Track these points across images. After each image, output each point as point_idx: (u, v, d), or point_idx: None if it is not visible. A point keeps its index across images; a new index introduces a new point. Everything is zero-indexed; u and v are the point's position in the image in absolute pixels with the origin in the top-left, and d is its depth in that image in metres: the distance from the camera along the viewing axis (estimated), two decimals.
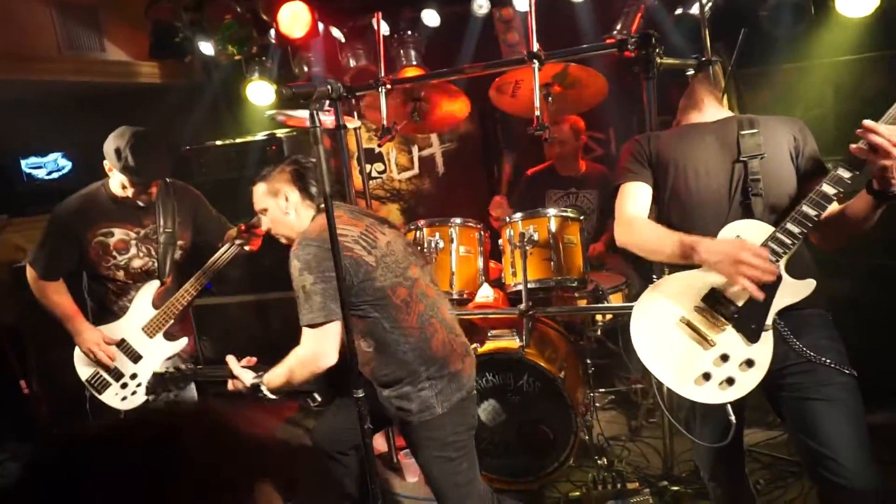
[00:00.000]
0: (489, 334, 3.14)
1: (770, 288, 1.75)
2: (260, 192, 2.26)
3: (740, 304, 1.78)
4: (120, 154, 2.51)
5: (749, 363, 1.76)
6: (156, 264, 2.75)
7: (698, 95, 2.13)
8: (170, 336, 2.77)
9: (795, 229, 1.73)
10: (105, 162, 2.59)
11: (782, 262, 1.76)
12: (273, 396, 2.11)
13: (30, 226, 4.14)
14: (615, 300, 3.33)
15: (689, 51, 3.35)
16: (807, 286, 1.76)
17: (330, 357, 1.99)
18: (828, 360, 1.74)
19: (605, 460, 2.92)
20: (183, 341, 2.81)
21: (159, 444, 0.66)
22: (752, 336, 1.76)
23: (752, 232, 1.81)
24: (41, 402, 3.98)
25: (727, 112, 2.08)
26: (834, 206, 1.80)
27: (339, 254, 1.83)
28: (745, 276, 1.69)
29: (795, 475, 2.69)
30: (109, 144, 2.55)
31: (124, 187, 2.61)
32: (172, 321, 2.74)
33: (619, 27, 3.71)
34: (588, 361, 3.21)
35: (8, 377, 3.90)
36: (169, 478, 0.63)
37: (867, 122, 1.63)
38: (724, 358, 1.78)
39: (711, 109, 2.08)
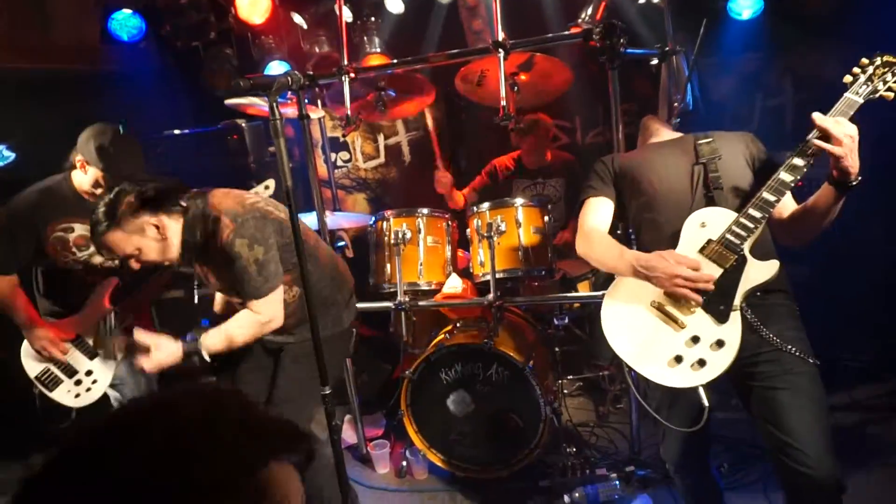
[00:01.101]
0: (457, 325, 3.13)
1: (736, 270, 1.81)
2: (119, 239, 2.05)
3: (710, 287, 1.82)
4: (103, 152, 2.43)
5: (720, 343, 1.79)
6: (116, 262, 2.65)
7: (653, 126, 2.33)
8: (127, 332, 2.67)
9: (757, 214, 1.81)
10: (77, 158, 2.49)
11: (747, 245, 1.83)
12: (207, 359, 2.12)
13: None
14: (582, 288, 3.36)
15: (653, 40, 3.39)
16: (771, 267, 1.82)
17: (281, 316, 2.17)
18: (793, 349, 1.79)
19: (574, 447, 2.95)
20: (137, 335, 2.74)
21: (190, 427, 0.67)
22: (721, 317, 1.80)
23: (717, 218, 1.88)
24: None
25: (681, 134, 2.24)
26: (794, 204, 1.92)
27: (300, 240, 1.78)
28: (683, 288, 1.80)
29: (758, 457, 2.76)
30: (90, 142, 2.46)
31: (97, 185, 2.52)
32: (131, 318, 2.67)
33: (584, 16, 3.71)
34: (556, 349, 3.23)
35: None
36: (199, 461, 0.64)
37: (815, 116, 1.73)
38: (695, 339, 1.81)
39: (666, 132, 2.27)
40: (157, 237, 2.09)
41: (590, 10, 3.74)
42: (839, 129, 1.70)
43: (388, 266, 2.98)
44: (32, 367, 2.62)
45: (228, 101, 3.23)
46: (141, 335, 2.12)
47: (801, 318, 1.92)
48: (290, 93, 3.10)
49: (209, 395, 0.72)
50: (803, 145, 1.79)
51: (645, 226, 2.09)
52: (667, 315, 1.85)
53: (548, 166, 3.91)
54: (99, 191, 2.54)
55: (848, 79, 1.84)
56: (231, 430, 0.68)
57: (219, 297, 2.57)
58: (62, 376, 2.63)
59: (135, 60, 4.36)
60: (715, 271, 1.82)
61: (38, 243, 2.55)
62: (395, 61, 3.07)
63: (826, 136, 1.71)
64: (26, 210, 2.52)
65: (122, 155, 2.48)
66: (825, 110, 1.82)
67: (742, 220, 1.82)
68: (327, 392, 1.81)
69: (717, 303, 1.81)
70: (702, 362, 1.79)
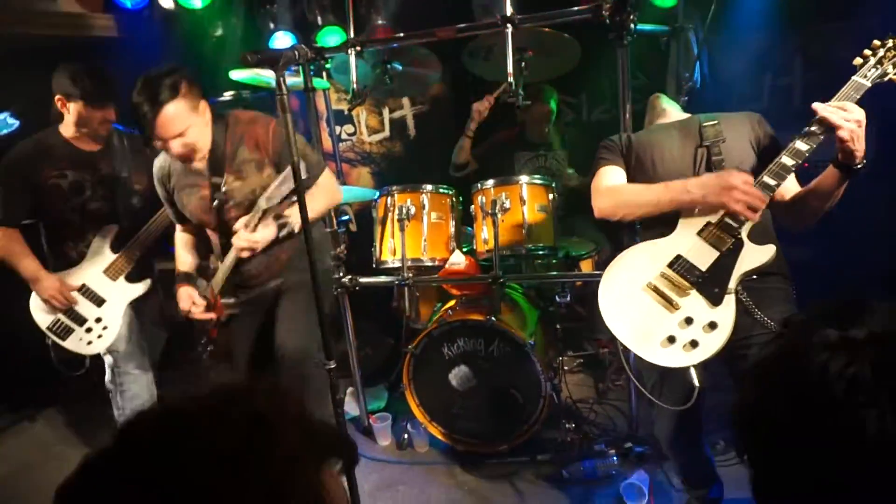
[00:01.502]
0: (460, 301, 3.15)
1: (732, 253, 1.83)
2: (178, 111, 2.08)
3: (704, 268, 1.85)
4: (76, 79, 2.54)
5: (712, 325, 1.81)
6: (112, 208, 2.75)
7: (661, 106, 2.36)
8: (132, 279, 2.79)
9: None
10: (56, 98, 2.59)
11: (745, 228, 1.84)
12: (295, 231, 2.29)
13: None
14: (585, 266, 3.37)
15: (663, 16, 3.34)
16: (767, 251, 1.84)
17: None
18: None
19: (573, 423, 3.00)
20: (146, 283, 2.84)
21: (253, 424, 0.66)
22: (716, 299, 1.82)
23: None
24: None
25: (688, 115, 2.24)
26: (797, 187, 1.94)
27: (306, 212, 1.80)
28: (738, 201, 1.79)
29: None
30: (62, 76, 2.56)
31: (82, 123, 2.62)
32: (134, 264, 2.77)
33: None
34: (558, 326, 3.26)
35: None
36: (260, 459, 0.64)
37: (815, 106, 1.75)
38: (689, 321, 1.83)
39: (674, 113, 2.27)
40: (205, 120, 2.16)
41: None
42: (839, 117, 1.70)
43: (392, 241, 2.99)
44: (43, 318, 2.72)
45: (234, 73, 3.21)
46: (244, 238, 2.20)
47: (801, 300, 1.94)
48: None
49: (269, 392, 0.71)
50: (807, 129, 1.79)
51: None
52: (662, 296, 1.88)
53: (550, 140, 3.89)
54: (85, 130, 2.65)
55: (858, 61, 1.83)
56: (292, 431, 0.68)
57: (186, 258, 2.60)
58: (73, 325, 2.72)
59: (139, 28, 4.32)
60: (712, 254, 1.84)
61: (36, 192, 2.65)
62: (401, 35, 3.03)
63: (827, 123, 1.73)
64: (20, 161, 2.63)
65: (97, 79, 2.58)
66: (835, 91, 1.82)
67: None
68: (332, 366, 1.84)
69: (711, 285, 1.83)
70: (694, 343, 1.81)
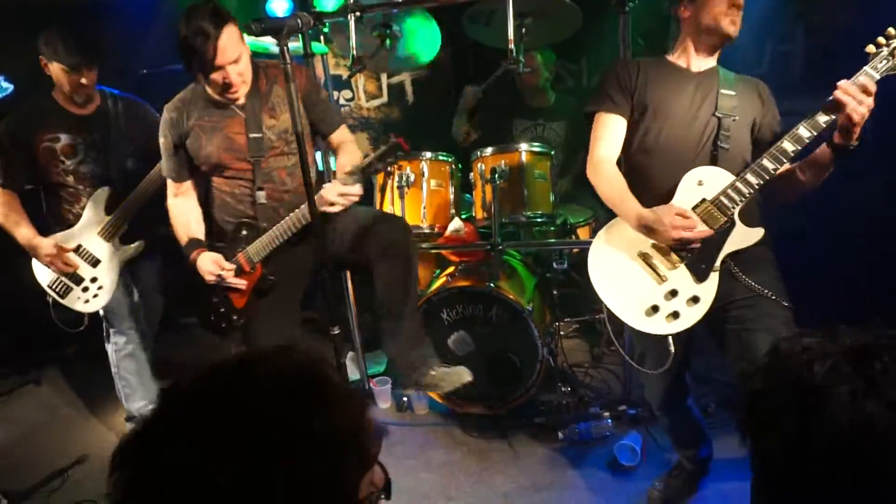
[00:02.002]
0: (459, 267, 3.19)
1: (723, 233, 1.87)
2: (234, 35, 2.06)
3: (698, 246, 1.88)
4: (50, 42, 2.56)
5: (695, 299, 1.90)
6: (105, 170, 2.79)
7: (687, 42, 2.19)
8: (126, 240, 2.84)
9: (754, 180, 1.85)
10: (42, 60, 2.62)
11: (737, 209, 1.88)
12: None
13: None
14: (582, 233, 3.41)
15: None
16: (756, 234, 1.89)
17: None
18: (771, 294, 1.89)
19: (569, 387, 3.07)
20: (139, 244, 2.87)
21: (307, 382, 0.73)
22: (702, 275, 1.89)
23: (714, 178, 1.91)
24: (6, 334, 3.94)
25: (712, 62, 2.07)
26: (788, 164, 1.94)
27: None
28: (677, 243, 1.87)
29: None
30: (41, 41, 2.59)
31: (59, 84, 2.65)
32: (127, 225, 2.81)
33: None
34: (555, 292, 3.31)
35: None
36: (317, 414, 0.70)
37: (841, 84, 1.73)
38: (674, 293, 1.92)
39: (698, 59, 2.06)
40: (248, 51, 2.15)
41: None
42: (856, 104, 1.70)
43: (392, 208, 3.01)
44: (44, 276, 2.82)
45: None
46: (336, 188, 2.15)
47: (796, 272, 1.99)
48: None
49: (312, 356, 0.77)
50: (812, 116, 1.79)
51: (637, 169, 2.07)
52: (651, 266, 1.94)
53: (551, 108, 3.88)
54: (65, 91, 2.67)
55: (871, 49, 1.81)
56: (337, 391, 0.74)
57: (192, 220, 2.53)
58: (71, 284, 2.80)
59: None
60: (702, 225, 1.87)
61: (32, 156, 2.70)
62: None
63: (841, 106, 1.71)
64: (16, 124, 2.70)
65: (73, 37, 2.57)
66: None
67: (738, 184, 1.86)
68: (336, 332, 1.89)
69: (699, 261, 1.90)
70: (675, 314, 1.91)
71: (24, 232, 2.72)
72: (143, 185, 2.78)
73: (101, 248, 2.80)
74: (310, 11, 2.92)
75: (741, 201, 1.86)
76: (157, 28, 4.33)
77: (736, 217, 1.88)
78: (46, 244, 2.71)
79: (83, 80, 2.64)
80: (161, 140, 2.32)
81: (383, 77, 4.77)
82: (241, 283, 2.28)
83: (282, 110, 2.26)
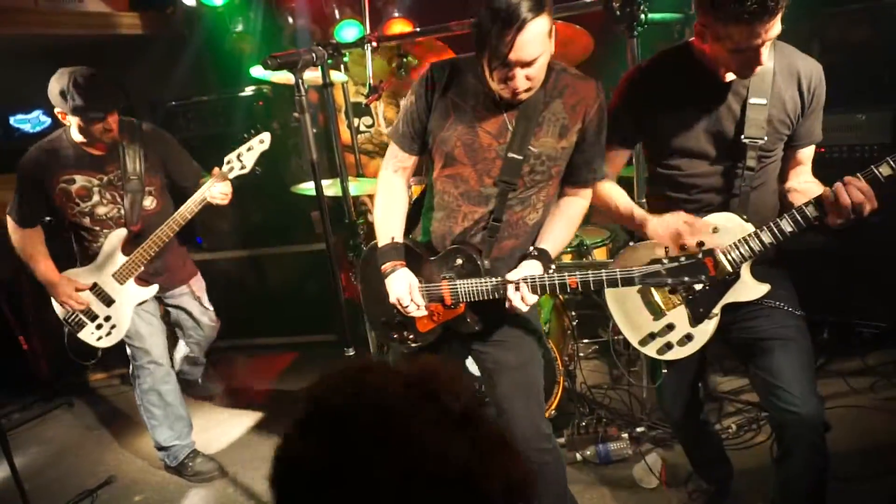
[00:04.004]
0: None
1: (726, 283, 1.87)
2: (544, 30, 1.61)
3: (697, 287, 1.83)
4: (65, 95, 2.49)
5: (688, 337, 1.94)
6: (122, 211, 2.76)
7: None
8: (142, 281, 2.85)
9: (767, 239, 1.79)
10: (56, 110, 2.58)
11: (747, 264, 1.86)
12: None
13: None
14: (599, 254, 3.42)
15: (678, 3, 3.34)
16: (759, 290, 1.87)
17: None
18: (784, 305, 1.90)
19: (587, 408, 3.06)
20: (154, 288, 2.87)
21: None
22: (698, 318, 1.92)
23: (730, 227, 1.84)
24: (40, 357, 4.07)
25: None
26: (804, 179, 1.90)
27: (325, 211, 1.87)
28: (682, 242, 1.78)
29: (766, 419, 2.83)
30: (53, 88, 2.51)
31: (81, 132, 2.60)
32: (143, 268, 2.78)
33: None
34: (573, 313, 3.31)
35: (6, 334, 3.96)
36: (447, 392, 0.68)
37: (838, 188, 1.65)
38: (670, 327, 1.97)
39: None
40: (552, 50, 1.70)
41: None
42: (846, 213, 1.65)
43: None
44: (60, 309, 2.84)
45: (254, 70, 3.30)
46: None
47: (814, 281, 2.00)
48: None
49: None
50: (864, 176, 1.68)
51: (659, 183, 2.00)
52: (652, 300, 1.98)
53: None
54: (87, 139, 2.60)
55: None
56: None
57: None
58: (85, 320, 2.84)
59: (163, 26, 4.44)
60: (706, 223, 1.81)
61: (47, 196, 2.71)
62: (417, 29, 3.10)
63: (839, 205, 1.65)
64: (30, 165, 2.69)
65: (87, 92, 2.47)
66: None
67: (751, 240, 1.81)
68: (352, 353, 1.93)
69: (698, 305, 1.91)
70: (668, 346, 1.97)
71: (40, 268, 2.77)
72: (161, 231, 2.71)
73: (115, 288, 2.80)
74: (328, 43, 3.05)
75: (750, 257, 1.82)
76: (184, 61, 4.51)
77: (743, 271, 1.86)
78: (61, 281, 2.74)
79: (108, 126, 2.59)
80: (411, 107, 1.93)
81: (402, 103, 4.86)
82: (425, 312, 1.91)
83: (552, 133, 1.81)
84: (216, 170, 2.63)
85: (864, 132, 3.18)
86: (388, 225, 1.93)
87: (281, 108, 4.21)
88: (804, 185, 1.90)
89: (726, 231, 1.83)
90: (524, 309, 1.77)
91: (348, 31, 4.10)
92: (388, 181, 1.98)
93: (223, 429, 3.54)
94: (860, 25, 3.37)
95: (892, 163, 1.64)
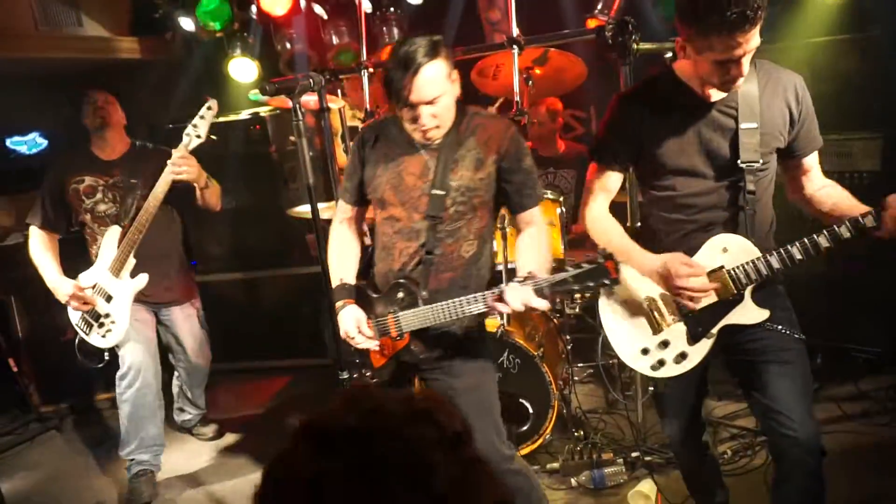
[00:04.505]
0: None
1: (729, 304, 1.87)
2: (441, 72, 1.83)
3: (698, 306, 1.88)
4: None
5: (683, 356, 1.93)
6: (119, 210, 2.96)
7: None
8: (135, 274, 2.92)
9: (776, 264, 1.80)
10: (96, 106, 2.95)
11: (750, 288, 1.86)
12: None
13: (13, 204, 4.12)
14: None
15: (669, 32, 3.41)
16: (760, 315, 1.86)
17: None
18: (783, 328, 1.89)
19: (582, 432, 3.05)
20: (142, 277, 2.91)
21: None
22: (696, 337, 1.92)
23: (739, 249, 1.85)
24: (31, 379, 4.03)
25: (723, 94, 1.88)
26: (820, 179, 1.91)
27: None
28: (679, 294, 1.82)
29: (762, 445, 2.83)
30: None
31: (87, 108, 2.92)
32: (133, 259, 2.88)
33: (599, 7, 3.74)
34: (567, 337, 3.31)
35: None
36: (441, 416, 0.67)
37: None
38: (665, 344, 1.96)
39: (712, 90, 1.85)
40: (455, 92, 1.90)
41: (606, 1, 3.77)
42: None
43: None
44: (73, 314, 2.96)
45: (252, 94, 3.34)
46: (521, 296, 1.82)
47: (807, 306, 2.03)
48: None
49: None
50: (855, 223, 1.73)
51: (654, 205, 1.99)
52: (653, 313, 1.98)
53: (560, 157, 3.96)
54: (92, 116, 2.94)
55: None
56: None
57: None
58: (91, 320, 2.92)
59: (161, 51, 4.49)
60: (712, 297, 1.86)
61: (63, 199, 2.95)
62: None
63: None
64: (53, 170, 3.00)
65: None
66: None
67: (759, 263, 1.81)
68: (345, 377, 1.93)
69: (697, 324, 1.91)
70: (662, 362, 1.96)
71: (47, 272, 2.91)
72: (141, 216, 2.85)
73: (112, 283, 2.89)
74: (326, 69, 3.09)
75: (756, 280, 1.83)
76: (182, 85, 4.55)
77: (747, 293, 1.86)
78: (65, 284, 2.86)
79: (98, 103, 2.92)
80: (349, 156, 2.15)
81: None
82: (375, 345, 2.03)
83: (467, 167, 1.97)
84: (173, 151, 2.83)
85: (855, 159, 3.23)
86: (338, 269, 2.13)
87: (277, 132, 4.24)
88: (822, 191, 1.91)
89: (735, 252, 1.85)
90: (507, 310, 1.85)
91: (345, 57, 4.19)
92: (336, 230, 2.19)
93: (213, 453, 3.50)
94: (850, 55, 3.44)
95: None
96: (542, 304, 1.80)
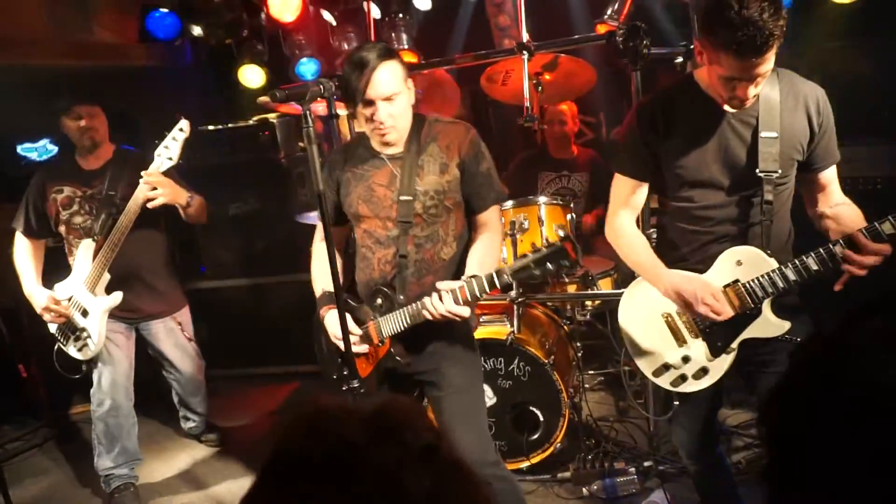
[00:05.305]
0: (481, 320, 3.20)
1: (747, 317, 1.85)
2: (397, 72, 1.92)
3: (717, 321, 1.86)
4: (59, 102, 2.86)
5: (704, 371, 1.93)
6: (93, 223, 2.90)
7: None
8: (110, 290, 2.88)
9: (792, 276, 1.78)
10: (60, 125, 2.89)
11: (768, 301, 1.83)
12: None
13: None
14: (604, 285, 3.40)
15: (679, 36, 3.39)
16: (780, 327, 1.84)
17: None
18: (799, 340, 1.86)
19: (593, 441, 3.01)
20: (116, 295, 2.86)
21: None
22: (716, 352, 1.91)
23: (754, 262, 1.83)
24: (39, 386, 4.03)
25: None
26: (837, 195, 1.90)
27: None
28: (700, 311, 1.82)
29: None
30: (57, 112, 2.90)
31: (70, 124, 2.85)
32: (108, 275, 2.83)
33: (609, 12, 3.72)
34: (577, 344, 3.29)
35: (5, 362, 3.94)
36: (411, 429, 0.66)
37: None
38: (686, 359, 1.95)
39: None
40: (411, 98, 1.99)
41: (616, 6, 3.74)
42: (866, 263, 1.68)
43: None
44: (52, 324, 2.94)
45: (261, 100, 3.34)
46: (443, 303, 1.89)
47: (827, 315, 1.97)
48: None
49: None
50: (868, 233, 1.70)
51: (672, 215, 1.97)
52: (672, 329, 1.97)
53: (573, 160, 3.95)
54: (76, 138, 2.90)
55: None
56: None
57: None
58: (68, 332, 2.91)
59: (171, 57, 4.50)
60: (729, 311, 1.84)
61: (43, 208, 2.92)
62: (422, 62, 3.14)
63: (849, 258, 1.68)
64: (36, 178, 2.97)
65: (69, 94, 2.90)
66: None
67: (775, 276, 1.79)
68: (356, 385, 1.91)
69: (717, 338, 1.90)
70: (683, 378, 1.95)
71: (25, 280, 2.90)
72: (113, 236, 2.77)
73: (87, 299, 2.85)
74: (336, 75, 3.08)
75: (773, 293, 1.80)
76: (192, 92, 4.57)
77: (764, 306, 1.83)
78: (40, 295, 2.84)
79: (82, 122, 2.84)
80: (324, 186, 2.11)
81: None
82: (363, 349, 2.08)
83: (430, 171, 2.04)
84: (144, 174, 2.74)
85: (867, 165, 3.20)
86: (319, 281, 2.19)
87: (286, 139, 4.25)
88: (836, 209, 1.88)
89: (750, 265, 1.82)
90: (444, 311, 1.86)
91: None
92: (315, 249, 2.26)
93: (221, 459, 3.49)
94: (861, 59, 3.42)
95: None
96: (463, 311, 1.86)
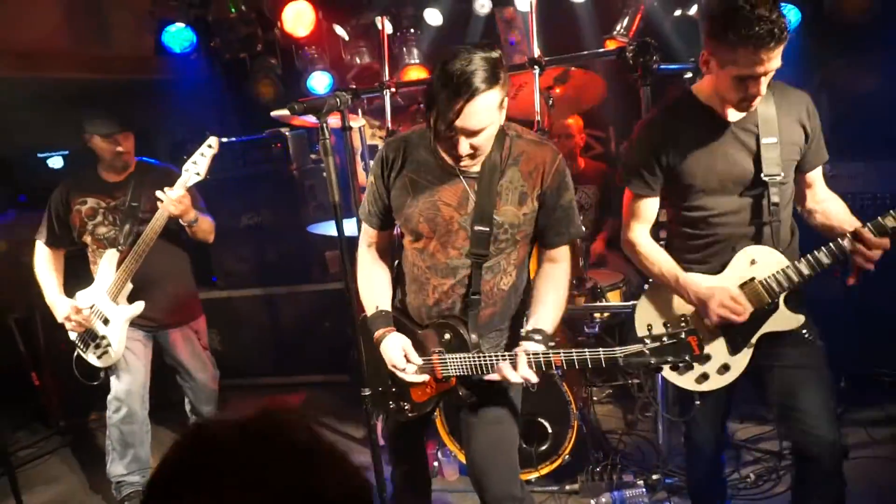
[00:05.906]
0: None
1: (766, 313, 1.91)
2: (495, 101, 1.63)
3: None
4: (88, 119, 2.84)
5: (725, 367, 1.98)
6: (118, 233, 2.94)
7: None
8: (132, 300, 2.91)
9: (806, 271, 1.85)
10: (85, 140, 2.88)
11: (783, 295, 1.91)
12: None
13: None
14: (613, 297, 3.41)
15: (688, 53, 3.43)
16: (796, 320, 1.92)
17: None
18: (807, 334, 1.95)
19: (602, 453, 3.02)
20: (138, 304, 2.89)
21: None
22: (736, 349, 1.96)
23: (767, 260, 1.91)
24: (52, 394, 4.07)
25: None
26: (825, 193, 2.00)
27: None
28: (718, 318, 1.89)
29: (786, 469, 2.78)
30: (82, 123, 2.89)
31: (104, 145, 2.84)
32: (131, 285, 2.87)
33: (619, 28, 3.78)
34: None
35: (19, 370, 3.98)
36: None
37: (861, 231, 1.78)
38: (707, 357, 1.98)
39: (731, 110, 1.89)
40: (501, 120, 1.71)
41: (625, 23, 3.81)
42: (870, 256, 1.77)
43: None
44: (72, 332, 2.97)
45: (274, 113, 3.39)
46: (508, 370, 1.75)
47: (837, 330, 2.11)
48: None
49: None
50: (873, 227, 1.78)
51: (684, 224, 2.03)
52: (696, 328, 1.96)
53: (580, 173, 3.98)
54: (106, 161, 2.90)
55: None
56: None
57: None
58: (89, 339, 2.95)
59: (186, 71, 4.58)
60: (750, 309, 1.90)
61: (67, 220, 2.95)
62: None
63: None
64: (60, 190, 2.99)
65: (104, 117, 2.86)
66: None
67: (789, 271, 1.86)
68: (367, 394, 1.93)
69: (737, 335, 1.95)
70: (705, 376, 1.99)
71: (48, 289, 2.94)
72: (137, 248, 2.81)
73: (109, 307, 2.89)
74: (348, 89, 3.14)
75: (789, 287, 1.87)
76: (206, 105, 4.64)
77: (780, 301, 1.90)
78: (62, 305, 2.88)
79: (119, 148, 2.86)
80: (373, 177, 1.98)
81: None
82: (423, 379, 1.90)
83: (503, 206, 1.81)
84: (166, 189, 2.76)
85: (873, 180, 3.21)
86: (371, 295, 1.99)
87: (299, 151, 4.30)
88: (823, 203, 2.00)
89: (764, 263, 1.91)
90: (517, 379, 1.72)
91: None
92: (363, 255, 2.06)
93: None
94: (868, 76, 3.44)
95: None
96: (534, 378, 1.71)
